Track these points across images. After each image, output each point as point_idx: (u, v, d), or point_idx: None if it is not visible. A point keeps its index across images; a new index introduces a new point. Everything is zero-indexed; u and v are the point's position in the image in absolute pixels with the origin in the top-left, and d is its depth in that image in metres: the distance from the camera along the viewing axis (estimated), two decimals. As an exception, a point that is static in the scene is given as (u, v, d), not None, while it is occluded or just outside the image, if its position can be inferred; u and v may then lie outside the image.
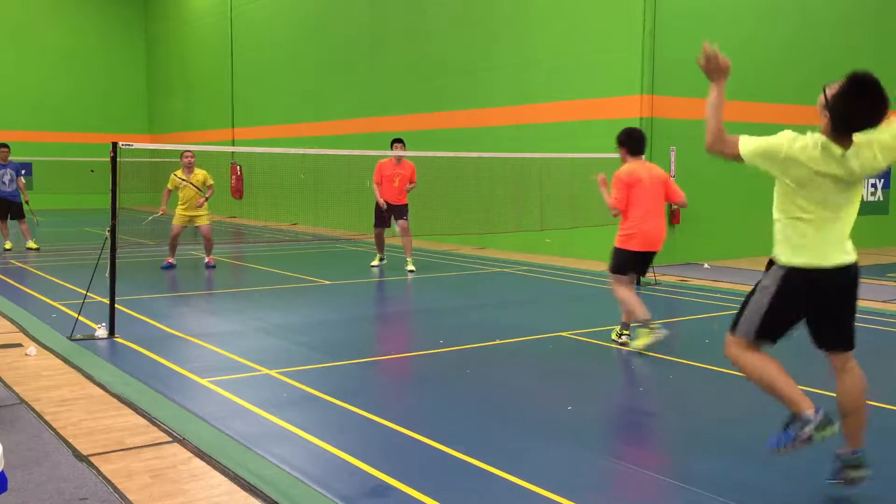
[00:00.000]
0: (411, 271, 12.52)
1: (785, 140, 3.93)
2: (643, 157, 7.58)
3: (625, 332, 7.69)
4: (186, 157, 12.80)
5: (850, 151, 3.84)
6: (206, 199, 12.83)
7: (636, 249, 7.45)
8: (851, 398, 4.12)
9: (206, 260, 13.19)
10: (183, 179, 12.75)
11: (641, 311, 7.29)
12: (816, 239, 3.95)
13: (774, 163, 3.93)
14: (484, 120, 16.40)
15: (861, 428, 4.12)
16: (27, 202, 15.30)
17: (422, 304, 10.38)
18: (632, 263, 7.56)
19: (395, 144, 12.59)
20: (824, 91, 3.85)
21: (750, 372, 4.13)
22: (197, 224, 12.84)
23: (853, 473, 4.09)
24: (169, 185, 12.97)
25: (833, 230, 3.95)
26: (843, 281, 4.00)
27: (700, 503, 4.07)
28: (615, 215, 7.48)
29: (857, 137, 3.84)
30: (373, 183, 12.68)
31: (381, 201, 12.46)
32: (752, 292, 4.17)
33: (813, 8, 15.35)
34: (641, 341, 7.29)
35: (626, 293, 7.45)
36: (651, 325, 7.24)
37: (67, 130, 30.13)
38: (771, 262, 4.14)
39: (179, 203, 12.76)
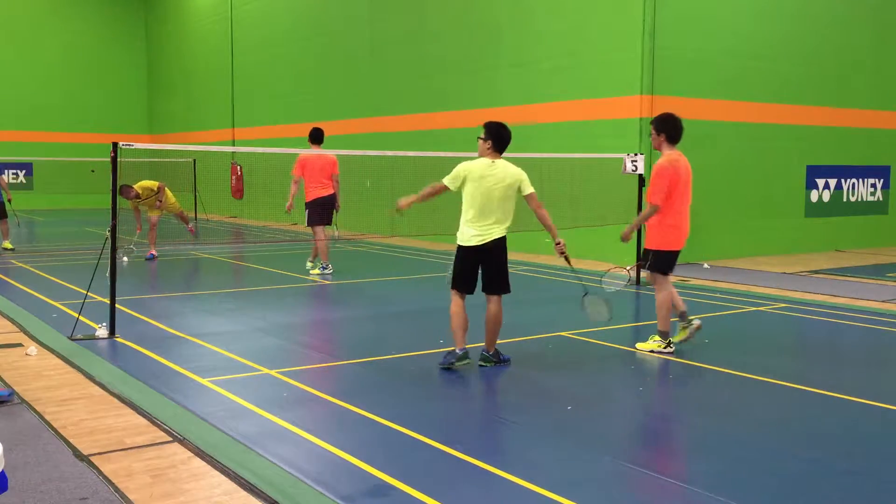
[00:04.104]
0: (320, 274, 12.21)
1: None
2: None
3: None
4: (130, 194, 13.71)
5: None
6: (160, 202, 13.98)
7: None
8: (492, 320, 6.82)
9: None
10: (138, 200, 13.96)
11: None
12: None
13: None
14: (483, 120, 16.34)
15: (493, 340, 6.82)
16: (9, 201, 15.05)
17: (421, 304, 10.37)
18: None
19: None
20: None
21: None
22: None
23: (483, 362, 6.75)
24: (130, 206, 14.11)
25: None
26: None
27: (700, 503, 4.07)
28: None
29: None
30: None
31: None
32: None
33: (812, 7, 15.35)
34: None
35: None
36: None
37: (67, 130, 30.13)
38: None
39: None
